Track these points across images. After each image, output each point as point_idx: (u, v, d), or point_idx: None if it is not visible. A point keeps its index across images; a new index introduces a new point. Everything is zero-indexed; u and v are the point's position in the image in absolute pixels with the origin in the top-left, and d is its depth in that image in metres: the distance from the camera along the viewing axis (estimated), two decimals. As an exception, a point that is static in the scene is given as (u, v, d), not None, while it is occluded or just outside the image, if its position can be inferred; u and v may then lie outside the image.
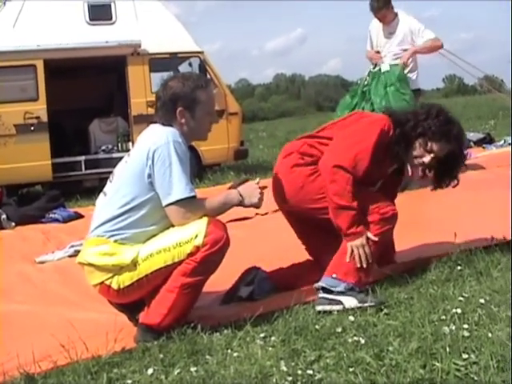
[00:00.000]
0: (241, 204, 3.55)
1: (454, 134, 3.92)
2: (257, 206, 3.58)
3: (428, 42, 7.75)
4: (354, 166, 3.75)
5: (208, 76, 11.46)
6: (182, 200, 3.37)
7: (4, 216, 8.21)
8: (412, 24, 7.80)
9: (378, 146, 3.82)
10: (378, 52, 7.92)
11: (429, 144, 3.91)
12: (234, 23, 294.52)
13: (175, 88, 3.58)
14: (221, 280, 3.98)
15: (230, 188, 3.68)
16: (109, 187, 3.61)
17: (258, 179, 3.69)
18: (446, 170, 4.06)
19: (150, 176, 3.41)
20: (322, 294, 3.67)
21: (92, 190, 9.66)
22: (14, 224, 8.17)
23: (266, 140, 23.70)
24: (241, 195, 3.54)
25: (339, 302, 3.60)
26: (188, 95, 3.57)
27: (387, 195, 4.09)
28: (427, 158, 3.93)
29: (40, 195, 9.78)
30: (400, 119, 3.97)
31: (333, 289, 3.65)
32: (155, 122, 3.64)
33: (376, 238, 3.72)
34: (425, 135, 3.90)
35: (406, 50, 7.74)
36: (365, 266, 3.69)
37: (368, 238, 3.72)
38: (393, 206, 3.91)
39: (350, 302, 3.58)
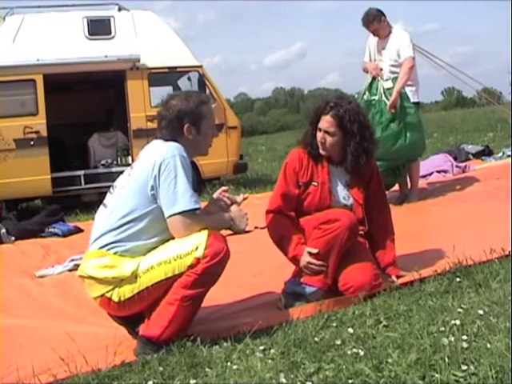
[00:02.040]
0: (230, 227, 3.68)
1: (329, 106, 4.22)
2: (241, 232, 3.77)
3: (401, 72, 7.64)
4: (274, 201, 4.30)
5: (207, 90, 11.52)
6: (186, 211, 3.39)
7: (4, 230, 8.23)
8: (401, 40, 7.77)
9: (289, 174, 4.31)
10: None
11: (317, 127, 4.28)
12: (233, 37, 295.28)
13: (180, 105, 3.64)
14: (221, 293, 4.00)
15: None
16: (109, 199, 3.63)
17: (246, 195, 4.01)
18: (349, 137, 4.22)
19: (153, 188, 3.43)
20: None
21: (91, 204, 9.65)
22: (13, 238, 8.18)
23: (265, 154, 23.66)
24: (232, 219, 3.70)
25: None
26: (194, 111, 3.63)
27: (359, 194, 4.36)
28: (319, 135, 4.26)
29: (40, 210, 9.81)
30: (304, 133, 4.42)
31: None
32: (158, 138, 3.68)
33: (315, 251, 4.02)
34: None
35: (399, 64, 7.72)
36: (320, 273, 4.05)
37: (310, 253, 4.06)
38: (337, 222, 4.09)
39: None
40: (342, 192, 4.34)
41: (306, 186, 4.30)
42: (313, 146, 4.30)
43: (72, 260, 6.05)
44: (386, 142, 7.26)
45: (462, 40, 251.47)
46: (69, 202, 10.77)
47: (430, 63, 9.78)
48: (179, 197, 3.38)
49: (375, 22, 7.78)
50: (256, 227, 6.68)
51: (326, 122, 4.22)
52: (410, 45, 7.77)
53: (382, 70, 7.76)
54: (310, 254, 4.03)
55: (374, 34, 7.93)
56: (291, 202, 4.28)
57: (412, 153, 7.76)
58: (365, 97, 7.78)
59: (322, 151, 4.27)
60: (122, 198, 3.53)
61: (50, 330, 4.10)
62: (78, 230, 8.42)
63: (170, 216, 3.40)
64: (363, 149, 4.19)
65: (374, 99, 7.68)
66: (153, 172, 3.42)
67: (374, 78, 7.79)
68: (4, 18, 11.27)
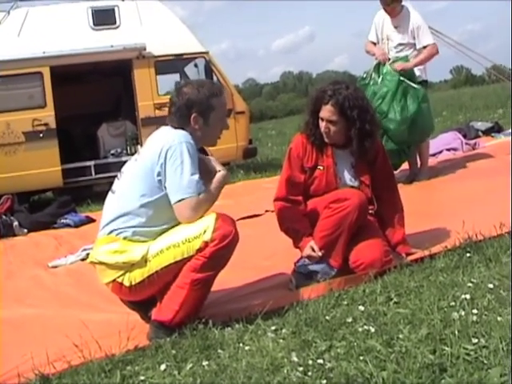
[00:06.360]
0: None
1: (328, 95, 4.17)
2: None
3: (424, 53, 7.67)
4: (280, 189, 4.36)
5: (214, 76, 11.50)
6: (192, 197, 3.40)
7: (16, 223, 8.28)
8: (415, 21, 7.72)
9: (293, 159, 4.33)
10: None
11: (318, 117, 4.24)
12: (240, 23, 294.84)
13: (190, 94, 3.64)
14: (232, 276, 4.02)
15: None
16: (117, 185, 3.65)
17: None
18: (351, 123, 4.18)
19: (159, 174, 3.45)
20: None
21: (103, 194, 9.62)
22: (26, 231, 8.24)
23: (274, 138, 23.56)
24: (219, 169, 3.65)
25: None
26: (203, 102, 3.63)
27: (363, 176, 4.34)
28: (322, 125, 4.22)
29: (51, 201, 9.85)
30: (305, 121, 4.36)
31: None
32: (166, 125, 3.69)
33: (319, 252, 4.08)
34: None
35: (409, 44, 7.70)
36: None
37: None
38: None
39: None
40: (348, 174, 4.34)
41: (312, 171, 4.30)
42: (316, 136, 4.28)
43: (84, 249, 6.08)
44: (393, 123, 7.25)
45: (470, 18, 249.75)
46: (80, 193, 10.82)
47: (439, 42, 9.73)
48: (184, 183, 3.39)
49: (395, 2, 7.70)
50: (267, 211, 6.70)
51: (327, 111, 4.18)
52: (428, 30, 7.76)
53: (390, 59, 7.67)
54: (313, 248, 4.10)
55: (389, 14, 7.84)
56: (297, 187, 4.30)
57: (419, 135, 7.68)
58: (373, 75, 7.72)
59: (326, 140, 4.26)
60: (130, 183, 3.56)
61: (63, 318, 4.14)
62: (90, 220, 8.45)
63: (176, 202, 3.41)
64: (366, 132, 4.17)
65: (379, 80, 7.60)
66: (159, 159, 3.43)
67: (380, 63, 7.71)
68: (9, 12, 11.28)
